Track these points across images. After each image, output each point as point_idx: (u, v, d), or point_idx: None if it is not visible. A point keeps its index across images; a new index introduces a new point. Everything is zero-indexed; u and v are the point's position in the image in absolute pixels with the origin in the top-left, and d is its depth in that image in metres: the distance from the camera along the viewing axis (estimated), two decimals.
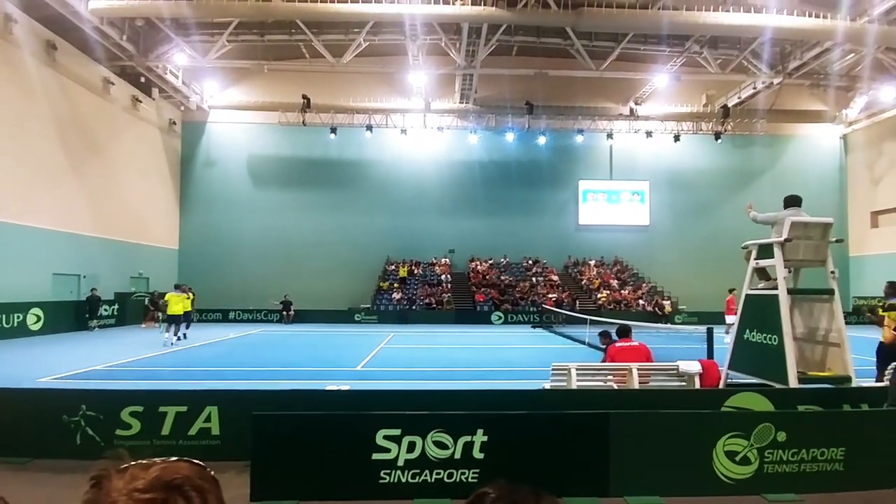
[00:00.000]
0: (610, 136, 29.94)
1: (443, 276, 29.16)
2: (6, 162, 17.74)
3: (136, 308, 23.52)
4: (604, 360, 7.57)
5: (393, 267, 29.74)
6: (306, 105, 26.93)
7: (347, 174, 29.96)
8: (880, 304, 8.42)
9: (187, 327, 16.65)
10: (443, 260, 30.28)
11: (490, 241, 30.35)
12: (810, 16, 20.72)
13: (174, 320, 15.65)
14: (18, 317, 17.12)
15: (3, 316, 16.43)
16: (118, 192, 23.80)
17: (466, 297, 27.92)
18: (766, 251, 6.79)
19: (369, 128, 28.21)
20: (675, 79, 26.96)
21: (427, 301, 27.17)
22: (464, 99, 28.23)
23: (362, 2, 20.27)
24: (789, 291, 6.54)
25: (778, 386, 6.15)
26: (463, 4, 20.37)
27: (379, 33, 24.06)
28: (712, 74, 26.00)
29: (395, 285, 28.25)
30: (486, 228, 30.32)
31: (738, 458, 4.54)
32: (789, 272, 6.76)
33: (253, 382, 9.71)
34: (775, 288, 6.54)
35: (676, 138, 29.45)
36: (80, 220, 21.22)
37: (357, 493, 4.40)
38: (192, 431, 5.31)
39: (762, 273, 7.06)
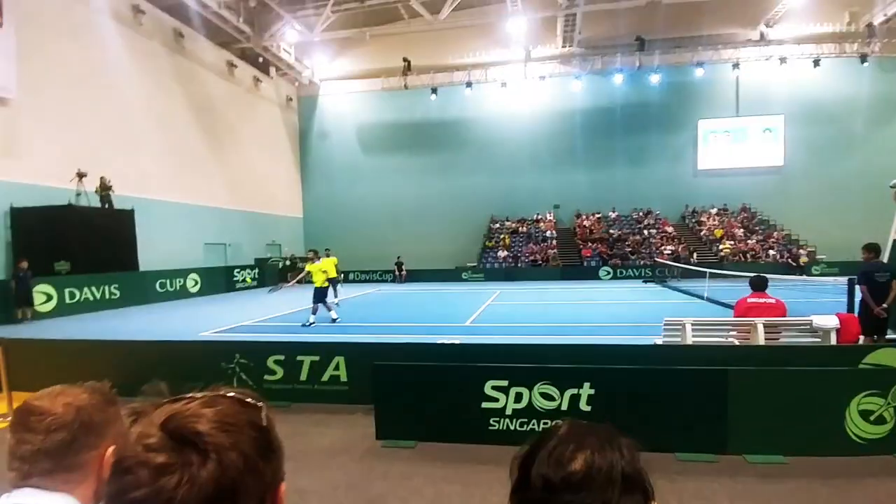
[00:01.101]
0: (736, 66, 26.81)
1: (548, 233, 28.76)
2: (158, 149, 20.41)
3: (273, 271, 26.30)
4: None
5: (497, 225, 29.89)
6: (407, 67, 27.38)
7: (449, 134, 30.25)
8: None
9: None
10: (548, 216, 29.79)
11: (597, 194, 29.20)
12: None
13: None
14: (180, 281, 20.10)
15: (169, 280, 19.38)
16: (249, 168, 26.43)
17: (573, 253, 27.37)
18: None
19: (469, 84, 28.02)
20: None
21: (532, 258, 27.08)
22: (566, 42, 26.78)
23: None
24: None
25: None
26: None
27: None
28: None
29: (503, 241, 28.42)
30: (591, 181, 29.15)
31: (872, 418, 4.19)
32: None
33: (373, 336, 10.60)
34: None
35: (816, 63, 25.57)
36: (220, 195, 24.03)
37: (468, 438, 4.77)
38: (325, 378, 6.03)
39: None
